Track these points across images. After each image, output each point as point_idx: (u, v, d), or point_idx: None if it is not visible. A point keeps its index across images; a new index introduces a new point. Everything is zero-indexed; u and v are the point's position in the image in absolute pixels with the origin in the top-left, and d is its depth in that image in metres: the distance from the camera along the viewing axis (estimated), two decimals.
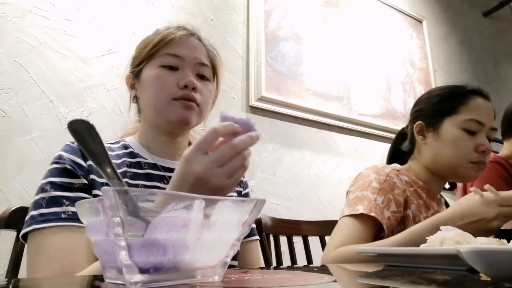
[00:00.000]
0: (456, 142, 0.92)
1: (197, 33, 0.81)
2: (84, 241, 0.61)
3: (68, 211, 0.62)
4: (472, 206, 0.71)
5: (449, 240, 0.50)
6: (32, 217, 0.62)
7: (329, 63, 2.17)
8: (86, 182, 0.66)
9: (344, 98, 2.18)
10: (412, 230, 0.76)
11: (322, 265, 0.73)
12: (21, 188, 1.22)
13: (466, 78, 3.27)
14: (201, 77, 0.76)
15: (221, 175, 0.50)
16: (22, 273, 0.74)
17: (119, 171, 0.69)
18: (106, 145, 0.76)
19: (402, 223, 0.91)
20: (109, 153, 0.72)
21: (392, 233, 0.87)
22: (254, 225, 0.94)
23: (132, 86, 0.80)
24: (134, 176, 0.72)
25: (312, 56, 2.10)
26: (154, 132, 0.78)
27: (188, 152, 0.51)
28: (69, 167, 0.65)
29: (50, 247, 0.60)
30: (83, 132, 0.30)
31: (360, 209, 0.84)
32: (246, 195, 0.90)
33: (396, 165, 1.01)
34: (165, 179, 0.75)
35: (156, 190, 0.68)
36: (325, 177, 2.01)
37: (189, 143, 0.86)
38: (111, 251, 0.31)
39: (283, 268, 0.45)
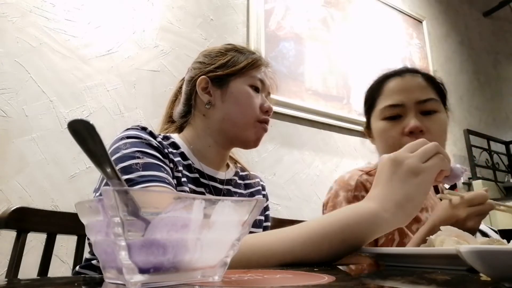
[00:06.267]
0: (382, 135, 0.89)
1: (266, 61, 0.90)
2: None
3: (171, 180, 0.63)
4: (445, 212, 0.73)
5: (449, 240, 0.50)
6: (130, 179, 0.58)
7: (329, 63, 2.17)
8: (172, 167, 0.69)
9: (344, 98, 2.18)
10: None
11: (322, 265, 0.73)
12: (21, 188, 1.22)
13: (466, 78, 3.27)
14: None
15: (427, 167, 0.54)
16: (22, 273, 0.74)
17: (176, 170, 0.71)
18: (158, 139, 0.73)
19: None
20: (163, 149, 0.71)
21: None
22: (269, 212, 0.99)
23: (203, 89, 0.81)
24: (188, 180, 0.74)
25: (312, 56, 2.10)
26: (209, 141, 0.81)
27: (397, 154, 0.56)
28: (155, 144, 0.67)
29: None
30: (83, 132, 0.30)
31: None
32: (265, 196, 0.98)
33: (363, 168, 0.97)
34: (207, 188, 0.78)
35: (162, 189, 0.67)
36: (325, 177, 2.01)
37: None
38: (111, 251, 0.31)
39: (283, 268, 0.45)
